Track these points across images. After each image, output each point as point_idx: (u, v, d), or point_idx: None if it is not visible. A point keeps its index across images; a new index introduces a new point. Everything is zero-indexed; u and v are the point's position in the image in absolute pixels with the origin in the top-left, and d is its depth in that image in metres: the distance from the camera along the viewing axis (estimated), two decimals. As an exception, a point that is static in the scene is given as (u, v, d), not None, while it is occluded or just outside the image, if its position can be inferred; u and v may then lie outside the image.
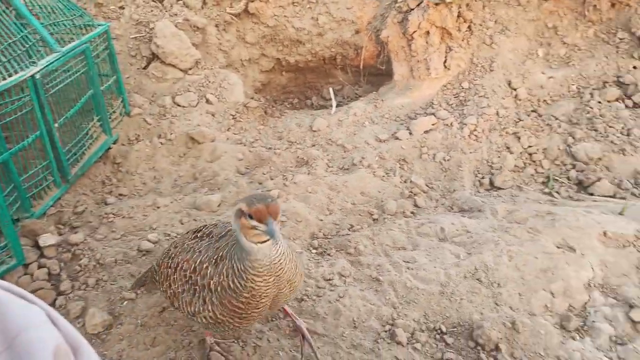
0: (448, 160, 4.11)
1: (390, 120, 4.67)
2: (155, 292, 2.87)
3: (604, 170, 3.87)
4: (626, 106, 4.32)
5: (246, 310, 1.98)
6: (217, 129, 4.54)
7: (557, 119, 4.34)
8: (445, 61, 4.83)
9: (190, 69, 4.88)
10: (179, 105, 4.62)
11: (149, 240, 3.22)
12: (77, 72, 3.65)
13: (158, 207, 3.61)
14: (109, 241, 3.30)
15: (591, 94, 4.47)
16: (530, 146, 4.15)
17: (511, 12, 4.97)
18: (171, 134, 4.35)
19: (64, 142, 3.54)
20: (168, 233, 3.33)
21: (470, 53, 4.86)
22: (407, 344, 2.51)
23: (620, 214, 3.26)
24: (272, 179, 3.94)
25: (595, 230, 3.02)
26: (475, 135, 4.26)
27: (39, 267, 2.98)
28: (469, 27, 4.88)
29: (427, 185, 3.93)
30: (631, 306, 2.60)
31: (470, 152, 4.14)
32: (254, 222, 1.76)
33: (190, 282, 2.10)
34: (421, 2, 4.79)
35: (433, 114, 4.53)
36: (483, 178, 3.97)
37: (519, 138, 4.20)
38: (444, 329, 2.57)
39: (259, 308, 2.00)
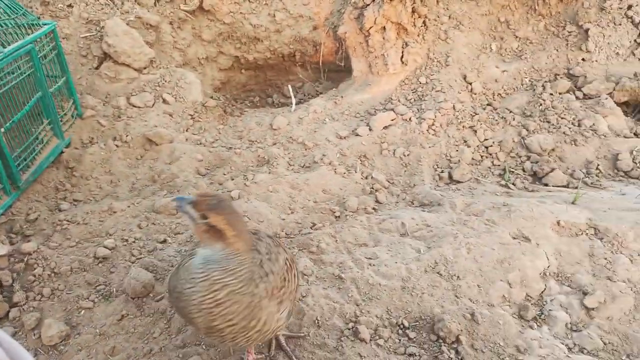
0: (408, 155, 4.16)
1: (350, 117, 4.68)
2: (112, 299, 2.80)
3: (557, 161, 4.00)
4: (576, 97, 4.47)
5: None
6: (175, 130, 4.45)
7: (511, 112, 4.45)
8: (402, 57, 4.87)
9: (144, 68, 4.75)
10: (134, 106, 4.50)
11: (105, 247, 3.13)
12: (23, 73, 3.49)
13: (114, 212, 3.51)
14: (63, 249, 3.19)
15: (543, 87, 4.60)
16: (486, 139, 4.25)
17: (464, 7, 5.05)
18: (127, 135, 4.23)
19: (12, 148, 3.39)
20: (125, 238, 3.24)
21: (426, 48, 4.92)
22: (371, 340, 2.52)
23: (573, 203, 3.38)
24: (232, 179, 3.89)
25: (549, 219, 3.12)
26: (434, 130, 4.32)
27: (-10, 278, 2.86)
28: (424, 22, 4.94)
29: (388, 181, 3.96)
30: (585, 293, 2.70)
31: (429, 147, 4.20)
32: None
33: None
34: (376, -2, 4.81)
35: (392, 109, 4.56)
36: (442, 172, 4.04)
37: (475, 132, 4.29)
38: (406, 324, 2.60)
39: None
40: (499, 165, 4.08)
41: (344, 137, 4.40)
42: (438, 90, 4.59)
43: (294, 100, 5.15)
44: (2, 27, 3.45)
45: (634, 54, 4.69)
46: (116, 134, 4.26)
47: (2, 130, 3.23)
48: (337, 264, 3.00)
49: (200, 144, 4.43)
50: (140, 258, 3.09)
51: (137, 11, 4.93)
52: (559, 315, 2.61)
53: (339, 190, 3.84)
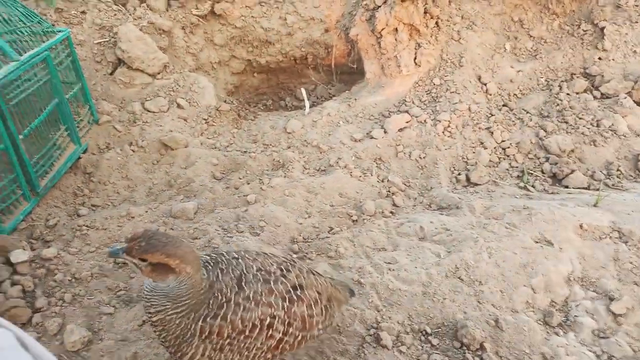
0: (424, 157, 4.13)
1: (364, 119, 4.66)
2: (133, 305, 2.80)
3: (576, 162, 3.95)
4: (594, 97, 4.42)
5: None
6: (190, 134, 4.45)
7: (528, 112, 4.41)
8: (415, 58, 4.84)
9: (158, 73, 4.76)
10: (149, 111, 4.51)
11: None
12: (40, 81, 3.51)
13: (133, 217, 3.52)
14: (83, 254, 3.20)
15: (560, 86, 4.55)
16: (503, 141, 4.21)
17: (477, 6, 5.01)
18: (143, 140, 4.24)
19: (31, 154, 3.41)
20: (144, 244, 3.24)
21: (439, 49, 4.89)
22: (393, 347, 2.50)
23: (595, 205, 3.33)
24: (248, 183, 3.88)
25: (572, 223, 3.08)
26: (449, 132, 4.29)
27: (12, 284, 2.86)
28: (437, 23, 4.91)
29: (405, 184, 3.94)
30: (611, 299, 2.66)
31: (445, 149, 4.17)
32: None
33: None
34: (387, -1, 4.79)
35: (406, 111, 4.54)
36: (459, 174, 4.01)
37: (492, 133, 4.25)
38: (428, 330, 2.57)
39: None
40: (517, 167, 4.04)
41: (359, 140, 4.38)
42: (453, 92, 4.55)
43: (307, 104, 5.14)
44: (18, 35, 3.47)
45: (652, 52, 4.64)
46: (132, 139, 4.27)
47: (21, 136, 3.25)
48: (356, 269, 2.98)
49: (215, 148, 4.43)
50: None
51: (150, 17, 4.94)
52: (585, 322, 2.57)
53: (355, 193, 3.82)
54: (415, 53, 4.84)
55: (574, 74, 4.66)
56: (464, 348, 2.47)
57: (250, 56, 5.58)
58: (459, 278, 2.81)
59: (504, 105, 4.54)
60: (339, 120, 4.68)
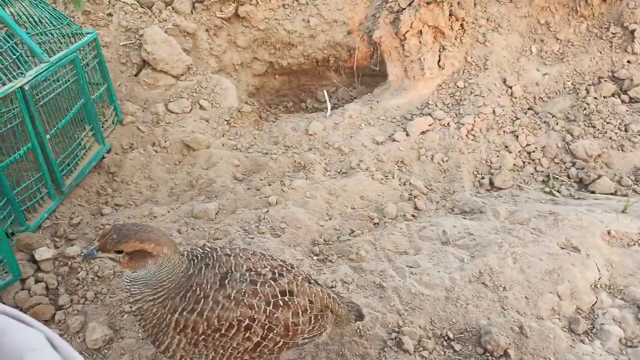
0: (446, 161, 4.08)
1: (386, 122, 4.63)
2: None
3: (603, 167, 3.87)
4: (622, 101, 4.32)
5: None
6: (211, 135, 4.48)
7: (554, 116, 4.33)
8: (439, 60, 4.80)
9: (182, 75, 4.80)
10: (172, 112, 4.55)
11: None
12: (67, 81, 3.57)
13: (155, 217, 3.55)
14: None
15: (587, 90, 4.46)
16: (528, 145, 4.14)
17: (503, 9, 4.95)
18: (165, 141, 4.28)
19: (57, 153, 3.46)
20: (166, 244, 3.26)
21: (464, 52, 4.84)
22: (415, 351, 2.47)
23: (623, 211, 3.24)
24: (269, 185, 3.89)
25: (599, 229, 3.00)
26: (473, 135, 4.23)
27: (36, 281, 2.91)
28: (462, 25, 4.86)
29: (427, 187, 3.89)
30: (639, 307, 2.58)
31: (469, 152, 4.11)
32: None
33: None
34: (412, 2, 4.76)
35: (429, 114, 4.49)
36: (483, 178, 3.95)
37: (516, 137, 4.18)
38: (451, 336, 2.53)
39: None
40: (542, 172, 3.96)
41: (381, 143, 4.35)
42: (477, 95, 4.50)
43: (329, 106, 5.13)
44: (48, 36, 3.54)
45: (683, 56, 4.51)
46: (155, 139, 4.31)
47: (48, 136, 3.31)
48: (377, 272, 2.95)
49: (237, 149, 4.44)
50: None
51: (175, 19, 4.99)
52: (612, 330, 2.49)
53: (376, 196, 3.80)
54: (440, 55, 4.80)
55: (602, 78, 4.56)
56: (487, 354, 2.42)
57: (272, 58, 5.60)
58: (482, 283, 2.76)
59: (529, 109, 4.46)
60: (360, 123, 4.66)
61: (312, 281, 2.11)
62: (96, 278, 3.00)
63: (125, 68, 4.76)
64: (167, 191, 3.95)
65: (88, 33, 3.95)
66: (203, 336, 1.78)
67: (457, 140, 4.20)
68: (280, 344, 1.92)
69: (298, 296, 1.94)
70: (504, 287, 2.72)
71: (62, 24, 3.73)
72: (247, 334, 1.82)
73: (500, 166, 3.99)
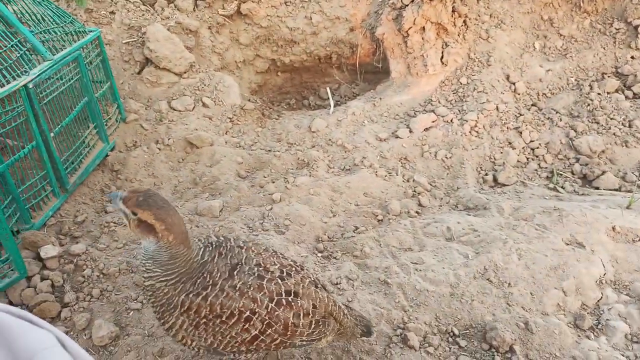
0: (450, 157, 4.08)
1: (389, 119, 4.63)
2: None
3: (607, 163, 3.86)
4: (626, 97, 4.31)
5: None
6: (215, 133, 4.48)
7: (557, 112, 4.32)
8: (442, 57, 4.79)
9: (184, 72, 4.80)
10: (175, 110, 4.55)
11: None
12: (71, 79, 3.57)
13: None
14: (111, 250, 3.23)
15: (590, 86, 4.45)
16: (532, 141, 4.13)
17: (506, 5, 4.94)
18: (169, 139, 4.28)
19: (61, 151, 3.47)
20: (170, 241, 3.26)
21: (467, 48, 4.83)
22: (420, 347, 2.47)
23: (628, 207, 3.24)
24: (273, 182, 3.89)
25: (604, 225, 3.00)
26: (476, 132, 4.23)
27: (42, 279, 2.92)
28: (465, 21, 4.85)
29: (431, 184, 3.89)
30: (645, 302, 2.58)
31: (472, 149, 4.11)
32: None
33: None
34: (415, -2, 4.75)
35: (432, 111, 4.49)
36: (486, 175, 3.94)
37: (520, 133, 4.18)
38: (456, 332, 2.53)
39: None
40: (545, 168, 3.96)
41: (384, 140, 4.34)
42: (480, 91, 4.49)
43: (332, 103, 5.13)
44: (51, 34, 3.54)
45: (687, 51, 4.50)
46: (158, 137, 4.31)
47: (52, 134, 3.31)
48: (382, 269, 2.96)
49: (240, 146, 4.44)
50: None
51: (177, 17, 4.99)
52: (617, 326, 2.50)
53: (380, 193, 3.80)
54: (442, 52, 4.79)
55: (605, 74, 4.55)
56: (493, 350, 2.42)
57: (275, 55, 5.59)
58: (487, 279, 2.76)
59: (532, 105, 4.46)
60: (363, 120, 4.65)
61: (319, 286, 2.12)
62: (101, 275, 3.01)
63: (128, 66, 4.76)
64: (171, 189, 3.96)
65: (91, 31, 3.95)
66: (204, 320, 1.84)
67: (460, 137, 4.19)
68: (277, 341, 1.94)
69: (302, 298, 1.97)
70: (509, 283, 2.72)
71: (65, 21, 3.73)
72: (246, 326, 1.87)
73: (504, 162, 3.98)
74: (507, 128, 4.24)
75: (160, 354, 2.54)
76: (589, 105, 4.28)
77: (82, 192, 3.75)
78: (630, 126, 4.05)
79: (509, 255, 2.85)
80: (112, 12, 4.94)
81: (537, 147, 4.08)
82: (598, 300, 2.66)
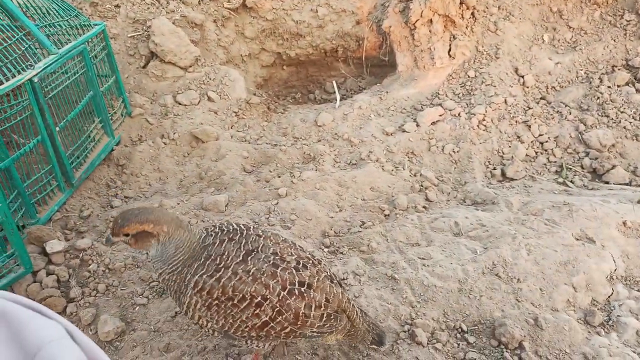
0: (457, 151, 4.04)
1: (396, 113, 4.58)
2: (166, 296, 2.81)
3: (617, 157, 3.81)
4: (637, 90, 4.24)
5: None
6: (220, 127, 4.46)
7: (567, 105, 4.26)
8: (449, 50, 4.73)
9: (190, 66, 4.78)
10: (180, 104, 4.53)
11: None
12: (76, 73, 3.56)
13: (165, 209, 3.54)
14: (117, 245, 3.22)
15: (600, 79, 4.39)
16: (541, 135, 4.08)
17: (515, -4, 4.87)
18: (174, 133, 4.26)
19: (66, 146, 3.46)
20: (176, 236, 3.25)
21: (475, 41, 4.77)
22: (428, 344, 2.45)
23: (639, 202, 3.19)
24: (279, 177, 3.86)
25: (614, 220, 2.95)
26: (484, 125, 4.18)
27: (48, 274, 2.91)
28: (473, 14, 4.79)
29: (438, 178, 3.85)
30: (657, 298, 2.55)
31: (480, 143, 4.07)
32: None
33: None
34: (423, -10, 4.69)
35: (440, 104, 4.44)
36: (494, 169, 3.90)
37: (529, 127, 4.12)
38: (464, 328, 2.51)
39: None
40: (555, 162, 3.91)
41: (391, 134, 4.30)
42: (488, 84, 4.43)
43: (338, 96, 5.09)
44: (56, 28, 3.52)
45: (700, 43, 4.42)
46: (164, 131, 4.30)
47: (57, 128, 3.30)
48: (389, 264, 2.93)
49: (245, 141, 4.42)
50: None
51: (182, 10, 4.96)
52: (628, 322, 2.46)
53: (387, 187, 3.76)
54: (450, 45, 4.74)
55: (616, 66, 4.48)
56: (502, 347, 2.39)
57: (280, 49, 5.55)
58: (496, 275, 2.73)
59: (541, 98, 4.40)
60: (370, 114, 4.61)
61: (335, 281, 2.14)
62: (107, 270, 3.00)
63: (133, 60, 4.74)
64: (177, 183, 3.94)
65: (96, 25, 3.93)
66: (216, 301, 1.89)
67: (468, 131, 4.15)
68: (288, 330, 1.96)
69: (315, 291, 1.98)
70: (518, 279, 2.69)
71: (70, 15, 3.71)
72: (257, 311, 1.90)
73: (512, 157, 3.94)
74: (516, 122, 4.19)
75: (166, 349, 2.54)
76: (598, 98, 4.22)
77: (88, 187, 3.74)
78: (641, 119, 3.99)
79: (518, 250, 2.81)
80: (117, 6, 4.92)
81: (546, 141, 4.02)
82: (609, 296, 2.63)
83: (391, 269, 2.88)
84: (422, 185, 3.76)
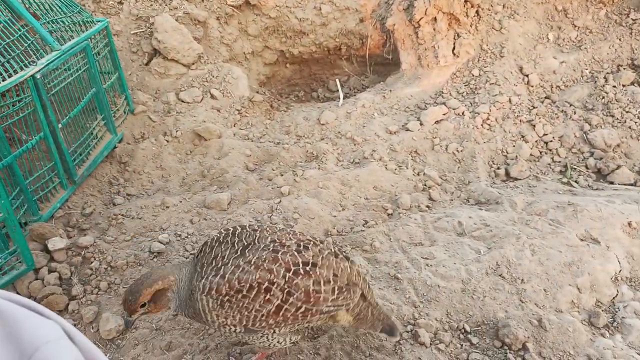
0: (461, 151, 4.01)
1: (399, 111, 4.56)
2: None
3: (622, 157, 3.78)
4: (642, 90, 4.21)
5: None
6: (223, 125, 4.44)
7: (571, 105, 4.24)
8: (453, 48, 4.71)
9: (193, 63, 4.76)
10: (183, 102, 4.52)
11: (160, 242, 3.14)
12: (79, 70, 3.55)
13: (167, 207, 3.53)
14: (119, 243, 3.22)
15: (605, 78, 4.36)
16: (545, 134, 4.05)
17: (520, -5, 4.84)
18: (177, 131, 4.25)
19: (69, 143, 3.45)
20: (179, 233, 3.25)
21: (479, 39, 4.74)
22: (431, 344, 2.43)
23: (644, 202, 3.17)
24: (282, 175, 3.85)
25: (619, 220, 2.93)
26: (489, 124, 4.15)
27: (50, 271, 2.91)
28: (477, 12, 4.76)
29: (441, 178, 3.83)
30: (662, 300, 2.53)
31: (484, 142, 4.04)
32: None
33: None
34: (427, -12, 4.66)
35: (444, 103, 4.42)
36: (498, 169, 3.88)
37: (533, 126, 4.10)
38: (468, 329, 2.49)
39: None
40: (559, 162, 3.89)
41: (394, 132, 4.28)
42: (492, 83, 4.41)
43: (341, 95, 5.07)
44: (59, 24, 3.51)
45: None
46: (166, 129, 4.28)
47: (60, 125, 3.29)
48: (392, 264, 2.91)
49: (248, 139, 4.40)
50: (193, 253, 3.09)
51: (186, 7, 4.94)
52: (633, 323, 2.44)
53: (390, 186, 3.74)
54: (454, 43, 4.71)
55: (621, 66, 4.45)
56: (506, 348, 2.38)
57: (284, 47, 5.53)
58: (500, 275, 2.71)
59: (546, 98, 4.37)
60: (373, 112, 4.59)
61: (340, 256, 2.13)
62: (109, 268, 2.99)
63: (136, 57, 4.73)
64: (179, 181, 3.93)
65: (99, 21, 3.92)
66: (227, 297, 1.91)
67: (472, 130, 4.13)
68: (303, 309, 1.96)
69: (321, 268, 1.99)
70: (522, 280, 2.67)
71: (73, 11, 3.70)
72: (267, 296, 1.91)
73: (516, 156, 3.91)
74: (520, 121, 4.17)
75: (168, 348, 2.53)
76: (603, 98, 4.19)
77: (90, 184, 3.73)
78: (646, 119, 3.96)
79: (522, 250, 2.79)
80: (120, 2, 4.90)
81: (551, 141, 4.00)
82: (613, 298, 2.61)
83: (394, 268, 2.87)
84: (425, 185, 3.74)
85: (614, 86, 4.27)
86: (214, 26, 5.09)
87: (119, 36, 4.73)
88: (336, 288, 2.01)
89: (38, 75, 3.02)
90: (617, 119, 4.02)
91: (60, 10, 3.60)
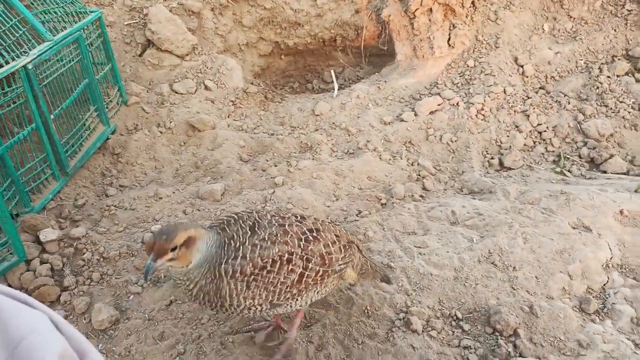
0: (455, 141, 4.01)
1: (394, 102, 4.55)
2: (161, 285, 2.80)
3: (616, 147, 3.79)
4: (636, 80, 4.22)
5: None
6: (217, 116, 4.43)
7: (565, 95, 4.24)
8: (449, 39, 4.70)
9: (187, 54, 4.74)
10: (177, 93, 4.50)
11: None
12: (71, 61, 3.53)
13: (160, 198, 3.52)
14: (111, 234, 3.21)
15: (600, 69, 4.36)
16: (539, 124, 4.06)
17: (515, -14, 4.82)
18: (170, 122, 4.24)
19: (61, 134, 3.44)
20: (172, 224, 3.24)
21: (474, 30, 4.73)
22: (423, 331, 2.44)
23: (636, 191, 3.18)
24: (275, 166, 3.84)
25: (611, 209, 2.94)
26: (483, 115, 4.15)
27: (41, 262, 2.91)
28: (473, 2, 4.74)
29: (435, 168, 3.84)
30: (652, 286, 2.54)
31: (478, 132, 4.04)
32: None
33: None
34: (423, -22, 4.64)
35: (438, 94, 4.41)
36: (492, 158, 3.88)
37: (527, 116, 4.10)
38: (459, 316, 2.50)
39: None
40: (552, 152, 3.89)
41: (389, 123, 4.28)
42: (487, 74, 4.40)
43: (336, 86, 5.06)
44: (51, 15, 3.49)
45: (701, 33, 4.38)
46: (160, 120, 4.27)
47: (52, 116, 3.28)
48: (385, 253, 2.92)
49: (242, 130, 4.39)
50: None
51: (179, -3, 4.91)
52: (623, 309, 2.45)
53: (384, 177, 3.74)
54: (449, 34, 4.70)
55: (615, 56, 4.45)
56: (497, 334, 2.39)
57: (278, 38, 5.51)
58: (492, 263, 2.72)
59: (540, 88, 4.37)
60: (368, 103, 4.59)
61: (335, 223, 2.35)
62: (102, 259, 2.99)
63: (130, 48, 4.71)
64: (173, 172, 3.92)
65: (92, 12, 3.90)
66: (252, 276, 1.95)
67: (466, 120, 4.12)
68: (321, 272, 2.10)
69: (325, 232, 2.16)
70: (514, 267, 2.68)
71: (65, 2, 3.68)
72: (290, 267, 2.01)
73: (510, 146, 3.92)
74: (514, 111, 4.17)
75: (161, 338, 2.53)
76: (598, 88, 4.19)
77: (83, 176, 3.72)
78: (640, 109, 3.97)
79: (515, 239, 2.80)
80: (114, -6, 4.87)
81: (545, 131, 4.00)
82: (604, 284, 2.62)
83: (387, 257, 2.87)
84: (419, 175, 3.74)
85: (609, 76, 4.27)
86: (208, 17, 5.06)
87: (112, 27, 4.70)
88: (341, 247, 2.19)
89: (30, 66, 3.00)
90: (611, 109, 4.02)
91: (53, 0, 3.58)
